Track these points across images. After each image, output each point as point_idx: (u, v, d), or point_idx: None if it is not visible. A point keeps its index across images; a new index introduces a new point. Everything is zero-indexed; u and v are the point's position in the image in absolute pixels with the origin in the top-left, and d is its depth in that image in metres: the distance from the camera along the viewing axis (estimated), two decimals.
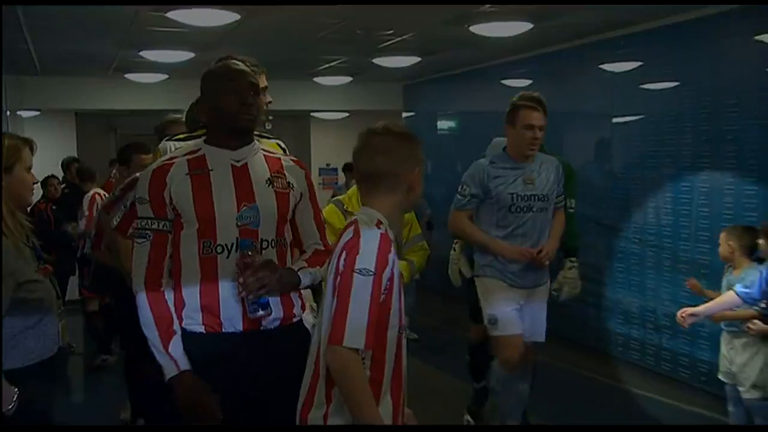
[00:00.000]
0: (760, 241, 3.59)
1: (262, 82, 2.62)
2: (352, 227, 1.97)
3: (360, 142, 2.05)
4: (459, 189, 3.81)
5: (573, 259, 4.15)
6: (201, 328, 2.21)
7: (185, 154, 2.28)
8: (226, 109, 2.22)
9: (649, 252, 5.37)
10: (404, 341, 2.02)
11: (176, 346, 2.19)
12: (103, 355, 6.01)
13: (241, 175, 2.26)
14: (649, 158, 5.38)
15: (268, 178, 2.29)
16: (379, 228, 1.95)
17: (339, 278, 1.89)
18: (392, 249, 1.94)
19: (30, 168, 2.48)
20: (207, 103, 2.30)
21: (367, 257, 1.87)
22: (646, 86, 5.51)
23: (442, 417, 4.53)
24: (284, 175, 2.33)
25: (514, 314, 3.73)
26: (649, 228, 5.34)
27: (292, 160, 2.43)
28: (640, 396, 4.98)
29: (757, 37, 4.49)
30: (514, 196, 3.67)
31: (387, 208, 2.01)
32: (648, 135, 5.48)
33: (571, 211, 4.11)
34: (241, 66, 2.33)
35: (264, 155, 2.35)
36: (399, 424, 2.01)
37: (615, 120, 5.84)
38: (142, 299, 2.22)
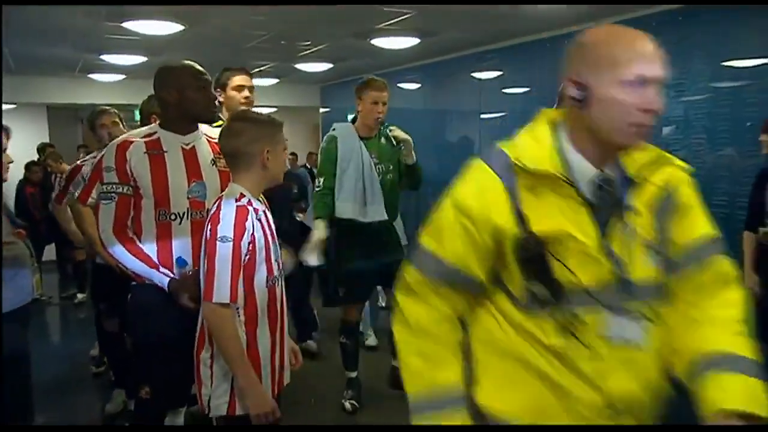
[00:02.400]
0: None
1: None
2: (218, 202, 1.90)
3: (222, 127, 1.96)
4: None
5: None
6: None
7: (143, 137, 2.20)
8: (195, 102, 2.17)
9: None
10: (278, 287, 1.97)
11: (162, 269, 2.13)
12: (79, 293, 6.36)
13: (190, 156, 2.21)
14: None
15: (212, 159, 2.24)
16: (238, 201, 1.87)
17: (207, 246, 1.84)
18: (250, 217, 1.85)
19: (4, 150, 2.35)
20: (172, 94, 2.18)
21: (226, 227, 1.81)
22: (506, 91, 5.66)
23: None
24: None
25: None
26: None
27: None
28: None
29: None
30: None
31: (248, 183, 1.92)
32: (507, 128, 5.59)
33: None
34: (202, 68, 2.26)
35: (207, 140, 2.29)
36: (277, 350, 1.97)
37: (482, 116, 5.97)
38: (118, 250, 2.13)
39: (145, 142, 2.18)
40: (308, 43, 5.73)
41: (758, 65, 3.68)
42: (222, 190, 2.18)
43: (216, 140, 2.32)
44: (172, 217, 2.15)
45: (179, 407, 2.96)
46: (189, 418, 3.11)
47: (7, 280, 2.22)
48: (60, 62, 6.68)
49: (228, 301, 1.81)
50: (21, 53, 6.14)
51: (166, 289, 2.11)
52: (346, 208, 3.30)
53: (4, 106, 8.21)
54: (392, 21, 4.66)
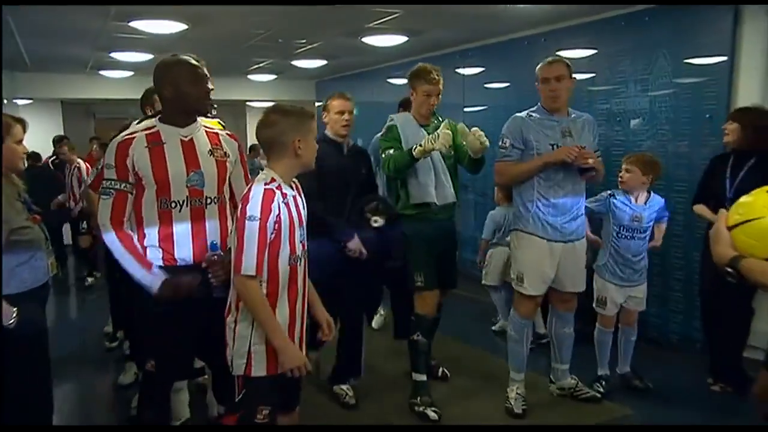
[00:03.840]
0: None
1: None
2: (250, 185, 1.93)
3: (259, 119, 1.99)
4: (499, 143, 2.98)
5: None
6: (161, 263, 2.14)
7: (143, 130, 2.16)
8: (191, 95, 2.12)
9: (488, 200, 5.57)
10: (300, 266, 1.97)
11: (155, 267, 2.11)
12: (88, 277, 6.30)
13: (189, 147, 2.16)
14: (488, 135, 5.54)
15: (209, 150, 2.20)
16: (269, 184, 1.89)
17: (237, 223, 1.88)
18: (277, 199, 1.87)
19: (20, 141, 2.31)
20: (169, 89, 2.12)
21: (253, 207, 1.85)
22: (487, 86, 5.65)
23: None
24: (222, 146, 2.24)
25: (542, 276, 2.94)
26: (488, 184, 5.52)
27: (227, 134, 2.33)
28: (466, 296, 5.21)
29: (557, 53, 4.66)
30: (554, 146, 2.87)
31: (280, 168, 1.95)
32: (488, 119, 5.62)
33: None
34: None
35: (205, 131, 2.24)
36: (296, 323, 2.00)
37: (466, 109, 5.97)
38: (112, 238, 2.10)
39: (146, 135, 2.15)
40: (303, 41, 5.69)
41: (716, 63, 3.70)
42: (219, 180, 2.20)
43: (214, 132, 2.30)
44: (173, 204, 2.13)
45: (182, 380, 2.96)
46: (194, 390, 3.14)
47: (23, 262, 2.21)
48: (72, 60, 6.62)
49: (254, 273, 1.85)
50: (37, 52, 6.09)
51: (154, 291, 2.07)
52: (420, 194, 3.03)
53: (22, 102, 8.17)
54: (381, 20, 4.64)
